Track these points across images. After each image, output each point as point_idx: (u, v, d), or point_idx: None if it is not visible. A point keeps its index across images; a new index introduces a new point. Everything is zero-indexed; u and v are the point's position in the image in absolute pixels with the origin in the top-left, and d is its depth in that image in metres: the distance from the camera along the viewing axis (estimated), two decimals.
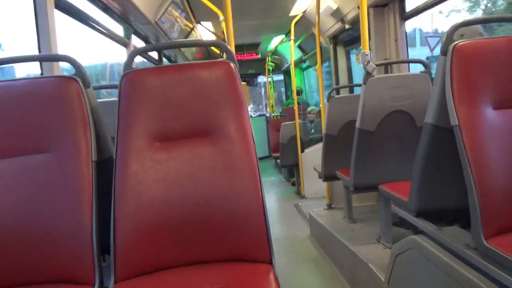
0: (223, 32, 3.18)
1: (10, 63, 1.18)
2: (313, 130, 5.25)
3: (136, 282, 1.01)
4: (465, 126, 1.15)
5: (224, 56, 1.22)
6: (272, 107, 7.69)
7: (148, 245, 1.05)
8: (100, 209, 1.07)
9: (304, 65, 7.94)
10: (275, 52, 7.44)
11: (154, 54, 3.98)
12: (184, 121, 1.14)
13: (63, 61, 1.22)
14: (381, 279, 1.73)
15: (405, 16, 3.15)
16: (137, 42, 3.27)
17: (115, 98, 1.18)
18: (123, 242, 1.04)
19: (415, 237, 1.42)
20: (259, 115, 8.96)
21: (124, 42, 2.98)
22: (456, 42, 1.22)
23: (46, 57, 1.57)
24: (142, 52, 1.13)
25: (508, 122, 1.17)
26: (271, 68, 7.70)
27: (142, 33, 3.36)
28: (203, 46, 5.23)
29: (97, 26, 2.47)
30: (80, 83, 1.14)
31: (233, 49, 2.02)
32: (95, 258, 1.02)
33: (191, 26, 4.70)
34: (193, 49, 5.56)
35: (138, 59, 3.46)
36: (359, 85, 2.28)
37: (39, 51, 1.59)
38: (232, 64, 1.19)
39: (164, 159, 1.10)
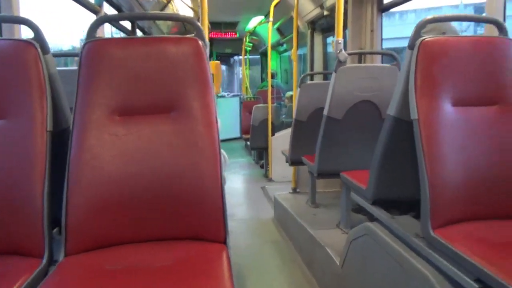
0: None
1: None
2: (284, 116, 5.27)
3: (86, 256, 1.00)
4: (423, 121, 1.18)
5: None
6: (247, 89, 7.64)
7: (102, 220, 1.04)
8: (54, 181, 1.04)
9: (281, 49, 7.90)
10: (253, 32, 7.36)
11: (128, 25, 3.84)
12: (147, 96, 1.12)
13: (21, 23, 1.16)
14: (336, 263, 1.79)
15: (383, 8, 3.17)
16: (110, 11, 3.13)
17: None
18: (75, 216, 1.02)
19: (369, 224, 1.47)
20: (233, 96, 8.89)
21: (94, 10, 2.85)
22: (423, 37, 1.24)
23: (2, 18, 1.48)
24: (106, 21, 1.09)
25: (465, 119, 1.22)
26: (248, 48, 7.62)
27: (115, 1, 3.23)
28: (172, 20, 5.02)
29: None
30: (38, 49, 1.09)
31: (206, 25, 1.98)
32: (45, 231, 0.99)
33: None
34: (169, 22, 5.40)
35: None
36: (331, 73, 2.29)
37: None
38: (200, 42, 1.16)
39: (123, 133, 1.08)
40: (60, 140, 1.10)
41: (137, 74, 1.12)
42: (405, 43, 1.32)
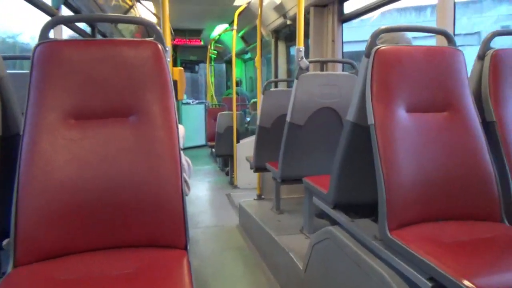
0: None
1: None
2: (248, 119, 5.30)
3: (37, 267, 0.95)
4: (379, 126, 1.22)
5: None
6: (212, 96, 7.61)
7: (55, 228, 0.99)
8: (5, 189, 0.99)
9: (246, 57, 7.95)
10: (218, 40, 7.36)
11: (88, 29, 3.73)
12: (104, 99, 1.09)
13: None
14: (300, 267, 1.80)
15: (343, 18, 3.28)
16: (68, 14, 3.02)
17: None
18: (25, 224, 0.96)
19: (330, 228, 1.49)
20: (198, 103, 8.82)
21: (51, 13, 2.74)
22: (378, 46, 1.29)
23: None
24: (61, 22, 1.05)
25: (418, 124, 1.27)
26: (213, 56, 7.61)
27: (74, 4, 3.13)
28: (131, 23, 4.90)
29: None
30: None
31: (167, 30, 1.96)
32: None
33: (130, 3, 4.47)
34: (132, 28, 5.29)
35: None
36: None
37: None
38: (159, 45, 1.15)
39: (79, 138, 1.04)
40: (11, 146, 1.05)
41: (93, 77, 1.09)
42: None
